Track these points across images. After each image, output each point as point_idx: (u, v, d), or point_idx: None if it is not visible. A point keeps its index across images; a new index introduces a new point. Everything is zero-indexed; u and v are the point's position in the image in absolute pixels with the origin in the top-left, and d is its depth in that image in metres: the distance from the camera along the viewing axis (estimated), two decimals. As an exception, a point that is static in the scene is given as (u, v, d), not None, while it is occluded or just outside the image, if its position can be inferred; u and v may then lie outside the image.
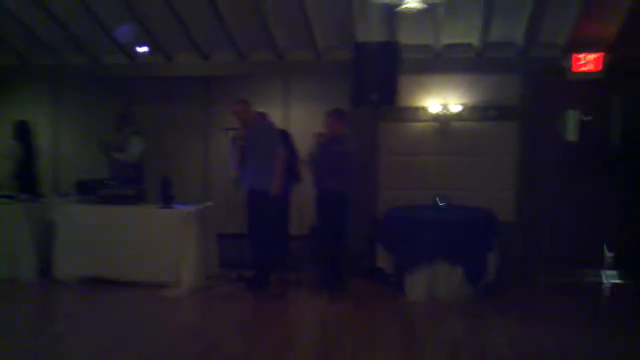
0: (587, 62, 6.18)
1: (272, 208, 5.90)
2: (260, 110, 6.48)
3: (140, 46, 7.42)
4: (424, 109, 6.71)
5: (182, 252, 5.92)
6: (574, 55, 6.20)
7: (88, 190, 6.50)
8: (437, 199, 6.16)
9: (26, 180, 7.42)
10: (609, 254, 6.47)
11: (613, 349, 4.45)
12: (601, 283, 6.39)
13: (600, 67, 6.19)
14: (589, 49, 6.20)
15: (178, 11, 6.64)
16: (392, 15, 5.99)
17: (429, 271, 5.62)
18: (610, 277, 6.41)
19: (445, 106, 6.60)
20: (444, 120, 6.63)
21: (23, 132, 7.55)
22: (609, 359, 4.32)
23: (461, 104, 6.60)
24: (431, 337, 4.73)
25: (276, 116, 7.13)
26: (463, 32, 6.49)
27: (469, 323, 5.08)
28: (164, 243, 5.95)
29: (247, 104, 6.10)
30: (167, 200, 6.19)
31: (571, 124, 6.38)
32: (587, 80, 6.28)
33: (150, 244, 5.98)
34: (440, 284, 5.62)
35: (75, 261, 6.10)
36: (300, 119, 7.97)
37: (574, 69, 6.21)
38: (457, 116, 6.61)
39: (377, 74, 6.16)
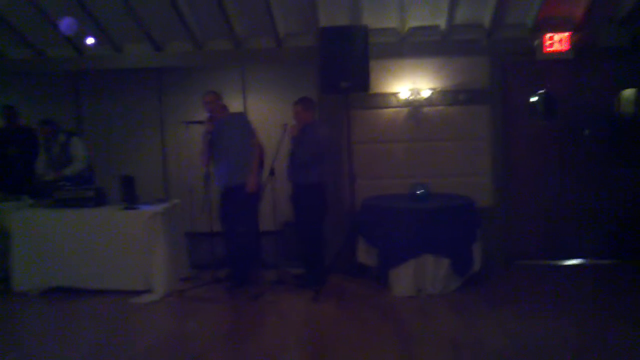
0: (556, 42, 6.12)
1: (248, 204, 5.63)
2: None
3: (87, 37, 6.91)
4: (394, 94, 6.49)
5: (151, 255, 5.54)
6: (543, 36, 6.12)
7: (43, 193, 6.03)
8: (415, 188, 5.84)
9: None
10: (589, 236, 6.47)
11: (599, 331, 4.41)
12: (585, 265, 6.40)
13: (568, 47, 6.13)
14: (557, 28, 6.15)
15: (128, -1, 6.22)
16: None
17: (414, 264, 5.33)
18: (593, 259, 6.43)
19: (415, 91, 6.42)
20: (415, 106, 6.44)
21: None
22: (599, 345, 4.21)
23: (431, 89, 6.43)
24: (421, 333, 4.50)
25: (234, 108, 6.82)
26: (429, 14, 6.32)
27: (458, 317, 4.85)
28: (131, 247, 5.55)
29: (216, 94, 5.89)
30: (130, 200, 5.81)
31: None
32: (557, 60, 6.24)
33: (115, 249, 5.57)
34: (426, 277, 5.35)
35: (35, 271, 5.68)
36: (259, 110, 7.67)
37: (544, 49, 6.14)
38: (428, 101, 6.44)
39: (346, 59, 5.92)
